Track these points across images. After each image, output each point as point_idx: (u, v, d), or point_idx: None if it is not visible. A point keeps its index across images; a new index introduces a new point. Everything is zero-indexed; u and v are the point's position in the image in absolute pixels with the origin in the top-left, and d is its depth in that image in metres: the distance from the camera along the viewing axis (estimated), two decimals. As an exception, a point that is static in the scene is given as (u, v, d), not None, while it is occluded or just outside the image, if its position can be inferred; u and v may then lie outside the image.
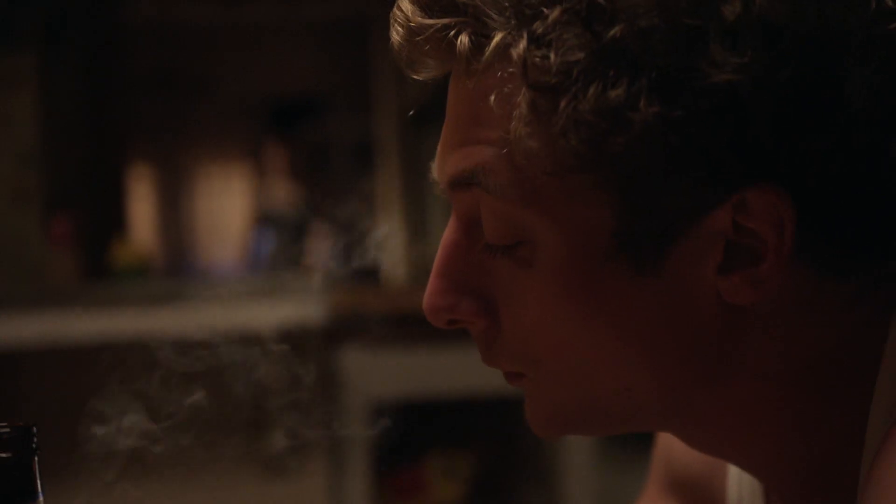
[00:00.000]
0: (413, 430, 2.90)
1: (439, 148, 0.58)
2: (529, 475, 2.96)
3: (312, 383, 2.61)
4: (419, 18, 0.55)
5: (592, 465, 2.63)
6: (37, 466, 0.58)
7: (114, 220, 4.31)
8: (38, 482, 0.57)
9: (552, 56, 0.51)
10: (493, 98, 0.53)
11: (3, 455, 0.56)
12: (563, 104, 0.51)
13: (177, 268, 7.98)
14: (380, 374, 2.52)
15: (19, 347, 2.11)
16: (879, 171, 0.52)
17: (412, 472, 2.74)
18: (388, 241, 5.37)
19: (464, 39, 0.53)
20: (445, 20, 0.54)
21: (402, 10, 0.56)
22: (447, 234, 0.59)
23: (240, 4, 6.06)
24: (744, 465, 0.62)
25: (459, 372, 2.41)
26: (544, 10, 0.51)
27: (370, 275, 3.63)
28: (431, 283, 0.59)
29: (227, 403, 2.53)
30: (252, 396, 2.45)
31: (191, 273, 7.99)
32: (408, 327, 2.59)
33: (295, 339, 2.39)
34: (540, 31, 0.51)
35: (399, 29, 0.56)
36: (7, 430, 0.57)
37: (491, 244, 0.56)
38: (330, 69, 7.71)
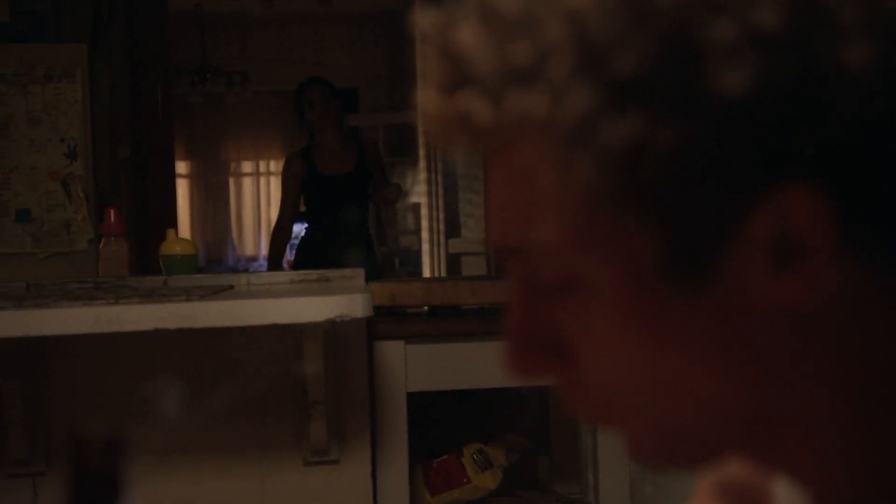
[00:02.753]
0: (452, 421, 2.95)
1: (488, 217, 0.60)
2: (565, 466, 2.98)
3: (355, 373, 2.67)
4: (441, 104, 0.57)
5: (628, 457, 2.63)
6: (126, 474, 0.62)
7: (161, 212, 4.34)
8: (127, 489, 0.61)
9: (568, 107, 0.52)
10: (524, 161, 0.55)
11: (97, 468, 0.61)
12: (587, 150, 0.52)
13: (214, 260, 7.99)
14: (419, 366, 2.55)
15: (72, 336, 2.16)
16: None
17: (451, 461, 2.76)
18: (427, 235, 5.24)
19: (485, 114, 0.55)
20: (465, 102, 0.55)
21: (426, 98, 0.58)
22: (509, 296, 0.60)
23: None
24: (806, 480, 0.61)
25: (496, 364, 2.43)
26: (552, 65, 0.53)
27: (410, 267, 3.59)
28: (507, 344, 0.60)
29: (273, 392, 2.59)
30: (297, 385, 2.51)
31: (227, 265, 8.01)
32: (446, 320, 2.63)
33: (339, 330, 2.45)
34: (551, 86, 0.53)
35: (428, 118, 0.58)
36: (99, 444, 0.61)
37: (552, 295, 0.58)
38: (366, 61, 7.71)
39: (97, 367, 2.42)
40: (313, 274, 2.64)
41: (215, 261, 7.95)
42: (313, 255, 4.51)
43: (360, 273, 2.65)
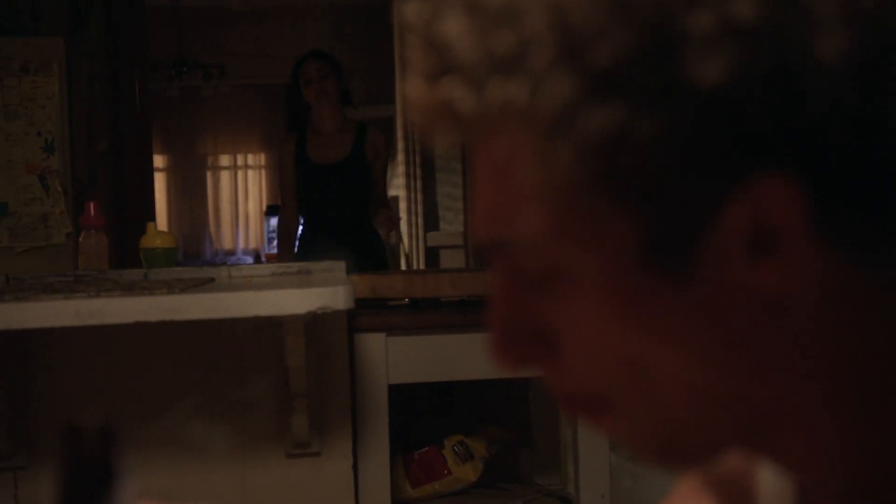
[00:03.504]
0: (433, 412, 2.95)
1: (472, 211, 0.61)
2: (545, 458, 3.00)
3: (336, 366, 2.67)
4: (425, 92, 0.57)
5: (609, 447, 2.65)
6: (119, 465, 0.62)
7: (139, 205, 4.33)
8: (121, 480, 0.62)
9: (548, 97, 0.53)
10: (505, 151, 0.56)
11: (90, 456, 0.61)
12: (567, 140, 0.53)
13: (192, 253, 7.97)
14: (400, 358, 2.56)
15: (53, 330, 2.15)
16: (877, 142, 0.54)
17: (432, 453, 2.77)
18: (405, 228, 5.21)
19: (467, 102, 0.56)
20: (448, 90, 0.56)
21: (411, 86, 0.59)
22: (493, 288, 0.61)
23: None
24: (792, 466, 0.62)
25: (477, 356, 2.44)
26: (533, 55, 0.53)
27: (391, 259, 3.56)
28: (493, 336, 0.61)
29: (254, 384, 2.59)
30: (278, 378, 2.51)
31: (205, 258, 7.99)
32: (427, 312, 2.64)
33: (320, 323, 2.45)
34: (532, 76, 0.53)
35: (412, 107, 0.59)
36: (92, 432, 0.61)
37: (535, 286, 0.59)
38: (344, 55, 7.71)
39: (78, 361, 2.41)
40: (294, 266, 2.65)
41: (193, 254, 7.92)
42: (311, 256, 3.93)
43: (340, 266, 2.65)
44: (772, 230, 0.54)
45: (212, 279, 2.48)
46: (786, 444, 0.60)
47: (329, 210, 4.00)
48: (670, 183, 0.53)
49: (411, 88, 0.59)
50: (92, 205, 2.57)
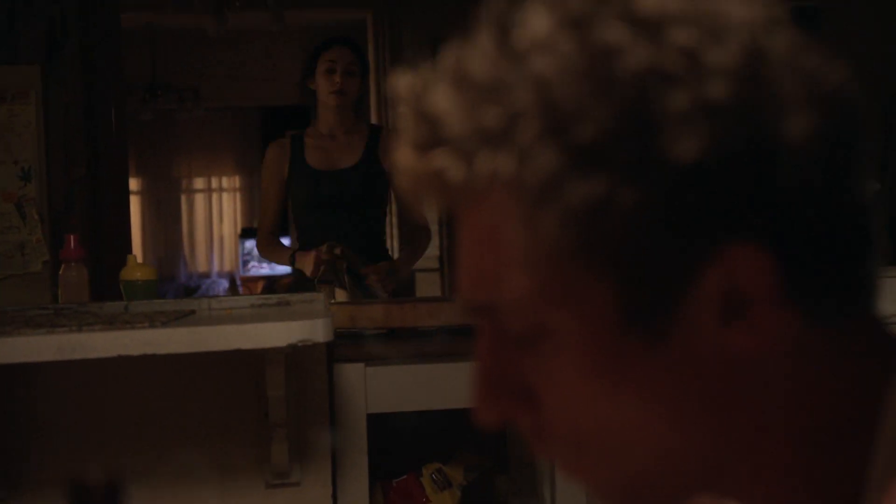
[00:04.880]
0: (410, 440, 2.97)
1: (458, 273, 0.64)
2: (523, 484, 3.02)
3: (316, 396, 2.68)
4: (415, 162, 0.60)
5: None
6: None
7: (115, 229, 4.33)
8: None
9: (534, 169, 0.56)
10: (492, 219, 0.59)
11: None
12: (551, 209, 0.57)
13: (166, 276, 7.95)
14: (378, 388, 2.58)
15: (32, 364, 2.16)
16: (838, 214, 0.59)
17: (410, 481, 2.79)
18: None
19: (456, 172, 0.58)
20: (438, 161, 0.59)
21: (400, 155, 0.61)
22: (479, 345, 0.63)
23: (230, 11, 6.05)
24: None
25: (455, 385, 2.47)
26: (519, 129, 0.57)
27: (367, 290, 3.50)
28: (476, 393, 0.63)
29: (234, 415, 2.60)
30: (258, 408, 2.52)
31: (180, 281, 7.97)
32: (405, 341, 2.66)
33: (299, 354, 2.47)
34: (519, 148, 0.57)
35: (402, 175, 0.62)
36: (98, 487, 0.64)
37: (518, 346, 0.62)
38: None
39: (57, 394, 2.42)
40: (273, 298, 2.67)
41: (167, 277, 7.91)
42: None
43: (320, 297, 2.67)
44: (743, 295, 0.57)
45: (192, 311, 2.50)
46: (752, 489, 0.63)
47: (333, 229, 3.27)
48: (648, 251, 0.57)
49: (401, 157, 0.62)
50: (72, 238, 2.59)
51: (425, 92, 0.61)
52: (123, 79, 4.68)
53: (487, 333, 0.63)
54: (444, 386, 2.53)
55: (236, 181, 8.36)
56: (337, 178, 3.30)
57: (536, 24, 0.59)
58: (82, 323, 2.18)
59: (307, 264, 3.12)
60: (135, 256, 2.68)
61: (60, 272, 2.62)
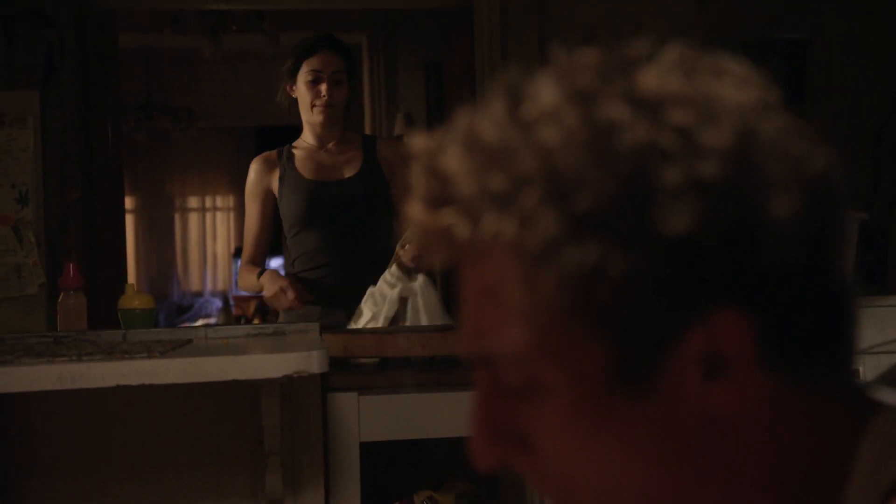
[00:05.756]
0: (402, 467, 3.00)
1: (461, 326, 0.68)
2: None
3: (310, 425, 2.71)
4: (425, 217, 0.64)
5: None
6: None
7: (110, 250, 4.35)
8: None
9: (535, 232, 0.60)
10: (494, 276, 0.63)
11: None
12: (549, 271, 0.61)
13: (159, 295, 7.97)
14: (371, 417, 2.61)
15: (31, 393, 2.19)
16: (819, 287, 0.63)
17: (402, 509, 2.82)
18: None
19: (463, 230, 0.63)
20: (446, 218, 0.63)
21: (412, 209, 0.66)
22: (477, 392, 0.67)
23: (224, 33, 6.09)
24: None
25: (447, 414, 2.50)
26: (523, 194, 0.60)
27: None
28: (474, 438, 0.67)
29: (229, 443, 2.64)
30: (253, 437, 2.56)
31: (172, 300, 7.98)
32: (398, 371, 2.69)
33: (294, 384, 2.50)
34: (522, 212, 0.61)
35: (413, 226, 0.66)
36: None
37: (515, 395, 0.65)
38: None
39: (55, 420, 2.46)
40: (269, 328, 2.71)
41: (160, 296, 7.92)
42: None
43: (314, 327, 2.71)
44: (724, 357, 0.61)
45: (189, 341, 2.54)
46: None
47: (334, 244, 3.04)
48: (637, 314, 0.61)
49: (413, 211, 0.66)
50: (71, 266, 2.63)
51: (438, 152, 0.65)
52: (119, 100, 4.71)
53: (486, 381, 0.67)
54: (437, 415, 2.56)
55: (230, 200, 8.39)
56: (338, 188, 3.04)
57: (545, 96, 0.63)
58: (82, 352, 2.22)
59: (270, 287, 2.88)
60: (133, 285, 2.72)
61: (59, 300, 2.65)
